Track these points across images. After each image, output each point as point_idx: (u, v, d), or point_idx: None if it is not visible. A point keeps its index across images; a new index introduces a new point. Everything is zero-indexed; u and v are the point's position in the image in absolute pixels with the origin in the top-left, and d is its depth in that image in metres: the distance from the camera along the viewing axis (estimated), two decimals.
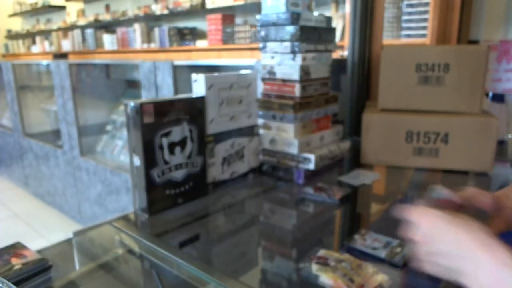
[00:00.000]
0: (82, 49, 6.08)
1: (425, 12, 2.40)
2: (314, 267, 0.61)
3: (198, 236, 0.81)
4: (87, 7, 6.24)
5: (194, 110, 0.89)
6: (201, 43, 4.33)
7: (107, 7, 5.78)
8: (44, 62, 3.03)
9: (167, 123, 0.83)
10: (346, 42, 1.49)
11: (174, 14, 4.54)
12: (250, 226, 0.85)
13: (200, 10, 4.21)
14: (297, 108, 1.06)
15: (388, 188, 1.06)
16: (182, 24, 4.74)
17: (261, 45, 1.12)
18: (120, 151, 2.62)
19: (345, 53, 1.50)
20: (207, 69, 2.04)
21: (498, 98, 1.47)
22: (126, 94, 2.84)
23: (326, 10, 3.31)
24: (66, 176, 2.82)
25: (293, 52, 1.05)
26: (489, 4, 1.60)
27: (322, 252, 0.65)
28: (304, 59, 1.05)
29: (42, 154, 3.07)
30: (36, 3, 6.99)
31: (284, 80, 1.09)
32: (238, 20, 4.13)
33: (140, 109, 0.78)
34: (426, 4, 2.39)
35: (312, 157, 1.04)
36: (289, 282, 0.64)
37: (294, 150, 1.06)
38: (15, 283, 0.57)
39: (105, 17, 5.64)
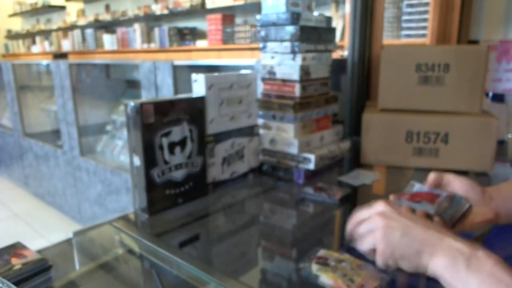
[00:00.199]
0: (82, 49, 6.08)
1: (425, 12, 2.41)
2: (314, 267, 0.61)
3: (198, 236, 0.81)
4: (87, 7, 6.24)
5: (194, 110, 0.89)
6: (201, 43, 4.34)
7: (107, 7, 5.78)
8: (44, 62, 3.03)
9: (167, 123, 0.83)
10: (346, 42, 1.49)
11: (174, 14, 4.54)
12: (250, 226, 0.85)
13: (200, 10, 4.21)
14: (297, 108, 1.06)
15: (388, 188, 1.06)
16: (182, 24, 4.74)
17: (261, 45, 1.12)
18: (120, 151, 2.62)
19: (345, 53, 1.50)
20: (207, 69, 2.04)
21: (498, 98, 1.48)
22: (126, 94, 2.85)
23: (326, 10, 3.31)
24: (66, 176, 2.82)
25: (293, 52, 1.05)
26: (489, 4, 1.60)
27: (322, 252, 0.65)
28: (304, 59, 1.05)
29: (42, 154, 3.07)
30: (36, 3, 6.99)
31: (284, 80, 1.09)
32: (238, 20, 4.13)
33: (140, 109, 0.78)
34: (426, 4, 2.39)
35: (312, 157, 1.04)
36: (289, 282, 0.64)
37: (294, 150, 1.06)
38: (15, 283, 0.57)
39: (105, 17, 5.64)
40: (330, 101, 1.20)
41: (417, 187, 0.76)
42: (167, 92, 1.97)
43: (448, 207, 0.66)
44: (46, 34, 7.11)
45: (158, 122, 0.81)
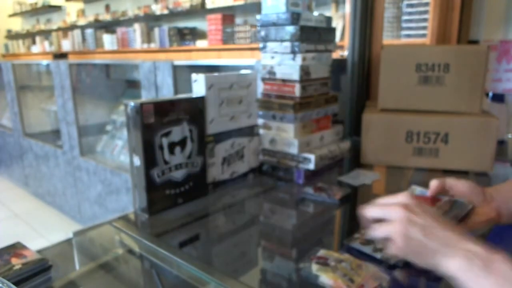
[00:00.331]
0: (82, 49, 6.08)
1: (425, 12, 2.41)
2: (314, 267, 0.61)
3: (198, 236, 0.81)
4: (87, 7, 6.24)
5: (194, 110, 0.89)
6: (201, 43, 4.34)
7: (107, 7, 5.78)
8: (44, 62, 3.03)
9: (167, 123, 0.83)
10: (346, 42, 1.49)
11: (174, 14, 4.54)
12: (250, 226, 0.85)
13: (200, 10, 4.21)
14: (297, 108, 1.06)
15: (388, 188, 1.06)
16: (182, 24, 4.74)
17: (261, 45, 1.12)
18: (120, 151, 2.62)
19: (345, 53, 1.50)
20: (207, 69, 2.04)
21: (498, 98, 1.48)
22: (126, 94, 2.85)
23: (326, 10, 3.31)
24: (66, 176, 2.82)
25: (293, 52, 1.05)
26: (489, 4, 1.60)
27: (322, 252, 0.65)
28: (304, 59, 1.05)
29: (42, 154, 3.07)
30: (36, 3, 6.99)
31: (284, 80, 1.09)
32: (238, 20, 4.13)
33: (140, 109, 0.78)
34: (426, 4, 2.39)
35: (312, 157, 1.04)
36: (289, 282, 0.64)
37: (294, 150, 1.06)
38: (15, 283, 0.57)
39: (105, 17, 5.64)
40: (330, 101, 1.20)
41: (418, 191, 0.76)
42: (167, 92, 1.97)
43: (448, 211, 0.66)
44: (46, 34, 7.11)
45: (158, 122, 0.81)
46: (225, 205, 0.93)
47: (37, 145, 3.10)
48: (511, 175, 1.17)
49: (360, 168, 1.14)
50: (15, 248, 0.65)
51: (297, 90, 1.07)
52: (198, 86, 0.93)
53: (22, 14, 7.63)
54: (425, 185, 0.83)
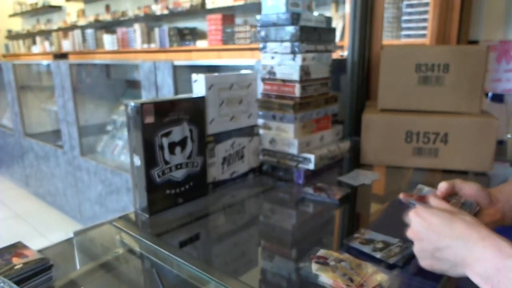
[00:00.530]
0: (82, 49, 6.08)
1: (425, 12, 2.41)
2: (314, 267, 0.61)
3: (198, 236, 0.82)
4: (87, 7, 6.24)
5: (195, 110, 0.89)
6: (201, 43, 4.34)
7: (107, 7, 5.79)
8: (45, 62, 3.03)
9: (167, 123, 0.83)
10: (346, 42, 1.50)
11: (174, 14, 4.54)
12: (250, 226, 0.85)
13: (200, 10, 4.21)
14: (297, 108, 1.06)
15: (387, 188, 1.06)
16: (182, 24, 4.74)
17: (261, 45, 1.12)
18: (121, 151, 2.63)
19: (345, 53, 1.50)
20: (207, 69, 2.05)
21: (498, 98, 1.48)
22: (126, 94, 2.85)
23: (326, 10, 3.31)
24: (67, 176, 2.83)
25: (293, 52, 1.05)
26: (488, 4, 1.60)
27: (321, 252, 0.65)
28: (304, 59, 1.06)
29: (42, 154, 3.07)
30: (36, 3, 6.99)
31: (284, 80, 1.10)
32: (238, 20, 4.13)
33: (141, 109, 0.78)
34: (426, 4, 2.39)
35: (312, 157, 1.05)
36: (289, 281, 0.64)
37: (294, 150, 1.06)
38: (16, 283, 0.57)
39: (105, 17, 5.65)
40: (330, 101, 1.20)
41: (426, 190, 0.77)
42: (167, 92, 1.97)
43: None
44: (46, 34, 7.12)
45: (158, 122, 0.82)
46: (225, 205, 0.94)
47: (38, 145, 3.10)
48: (510, 175, 1.17)
49: (360, 168, 1.14)
50: (16, 248, 0.65)
51: (297, 90, 1.07)
52: (198, 86, 0.93)
53: (23, 14, 7.63)
54: (426, 185, 0.83)
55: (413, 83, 1.14)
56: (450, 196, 0.70)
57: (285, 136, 1.08)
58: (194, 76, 0.93)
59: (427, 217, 0.57)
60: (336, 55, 1.33)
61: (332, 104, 1.21)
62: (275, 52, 1.09)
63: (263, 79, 1.14)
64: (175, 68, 1.92)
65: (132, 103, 0.79)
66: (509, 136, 1.40)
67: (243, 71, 1.04)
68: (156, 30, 4.75)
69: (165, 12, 4.59)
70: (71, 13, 6.52)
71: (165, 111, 0.83)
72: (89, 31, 5.86)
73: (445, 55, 1.10)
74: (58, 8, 6.70)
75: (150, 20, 5.00)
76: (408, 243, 0.68)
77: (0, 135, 3.74)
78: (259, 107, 1.12)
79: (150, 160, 0.81)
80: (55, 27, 6.78)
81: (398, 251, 0.66)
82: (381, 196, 1.02)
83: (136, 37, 5.08)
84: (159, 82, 2.00)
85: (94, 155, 2.70)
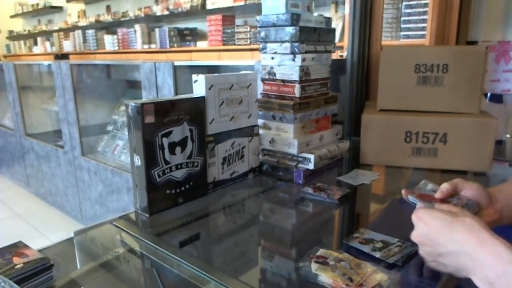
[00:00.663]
0: (83, 50, 6.09)
1: (424, 13, 2.41)
2: (314, 266, 0.61)
3: (199, 236, 0.82)
4: (88, 8, 6.25)
5: (195, 110, 0.90)
6: (201, 44, 4.34)
7: (108, 8, 5.79)
8: (46, 62, 3.04)
9: (167, 123, 0.84)
10: (346, 42, 1.50)
11: (174, 15, 4.55)
12: (250, 226, 0.86)
13: (200, 11, 4.21)
14: (296, 108, 1.07)
15: (387, 188, 1.07)
16: (183, 25, 4.75)
17: (261, 45, 1.13)
18: (121, 151, 2.63)
19: (345, 53, 1.50)
20: (208, 69, 2.05)
21: (496, 98, 1.48)
22: (127, 94, 2.85)
23: (326, 11, 3.31)
24: (67, 176, 2.83)
25: (293, 52, 1.05)
26: (487, 5, 1.61)
27: (321, 251, 0.66)
28: (303, 59, 1.06)
29: (43, 154, 3.08)
30: (37, 4, 7.00)
31: (284, 81, 1.10)
32: (238, 21, 4.13)
33: (141, 109, 0.79)
34: (425, 5, 2.39)
35: (311, 157, 1.05)
36: (288, 281, 0.64)
37: (293, 150, 1.06)
38: (16, 282, 0.57)
39: (106, 18, 5.65)
40: (330, 102, 1.21)
41: (430, 186, 0.76)
42: (167, 93, 1.97)
43: None
44: (47, 35, 7.12)
45: (158, 122, 0.82)
46: (225, 205, 0.94)
47: (39, 145, 3.11)
48: (509, 175, 1.18)
49: (359, 168, 1.14)
50: (17, 247, 0.65)
51: (296, 91, 1.07)
52: (199, 87, 0.93)
53: (24, 15, 7.64)
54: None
55: (412, 83, 1.14)
56: (451, 197, 0.71)
57: (285, 136, 1.09)
58: (194, 76, 0.94)
59: (428, 221, 0.57)
60: (336, 55, 1.33)
61: (332, 104, 1.22)
62: (275, 53, 1.09)
63: (263, 80, 1.15)
64: (176, 69, 1.92)
65: (132, 103, 0.80)
66: (508, 136, 1.41)
67: (243, 72, 1.04)
68: (157, 31, 4.76)
69: (166, 12, 4.60)
70: (72, 14, 6.53)
71: (165, 111, 0.83)
72: (90, 32, 5.87)
73: (444, 55, 1.11)
74: (59, 9, 6.71)
75: (151, 21, 5.00)
76: (408, 242, 0.68)
77: (1, 135, 3.74)
78: (259, 107, 1.12)
79: (150, 160, 0.82)
80: (56, 27, 6.78)
81: (398, 251, 0.67)
82: (381, 196, 1.03)
83: (136, 37, 5.08)
84: (159, 82, 2.00)
85: (95, 155, 2.70)
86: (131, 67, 2.56)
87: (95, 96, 2.72)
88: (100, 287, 0.68)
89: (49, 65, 2.90)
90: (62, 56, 3.44)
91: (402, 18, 2.54)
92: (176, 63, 1.92)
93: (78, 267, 0.72)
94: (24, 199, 3.40)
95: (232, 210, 0.92)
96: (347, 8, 1.47)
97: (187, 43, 4.50)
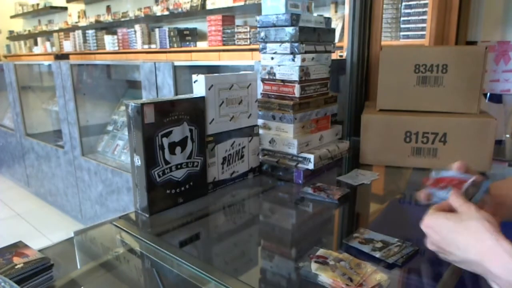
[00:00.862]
0: (83, 50, 6.09)
1: (424, 13, 2.41)
2: (314, 266, 0.61)
3: (199, 236, 0.82)
4: (88, 8, 6.25)
5: (195, 110, 0.90)
6: (201, 44, 4.34)
7: (108, 8, 5.79)
8: (46, 63, 3.04)
9: (167, 123, 0.84)
10: (345, 43, 1.50)
11: (174, 15, 4.55)
12: (250, 226, 0.86)
13: (200, 11, 4.22)
14: (296, 108, 1.07)
15: (387, 188, 1.07)
16: (183, 25, 4.75)
17: (260, 46, 1.13)
18: (121, 151, 2.63)
19: (344, 53, 1.50)
20: (207, 69, 2.05)
21: (496, 98, 1.48)
22: (127, 94, 2.85)
23: (325, 11, 3.31)
24: (68, 175, 2.83)
25: (293, 53, 1.05)
26: (487, 5, 1.61)
27: (321, 251, 0.66)
28: (303, 59, 1.06)
29: (43, 154, 3.08)
30: (37, 4, 7.00)
31: (283, 81, 1.10)
32: (238, 21, 4.14)
33: (141, 109, 0.79)
34: (425, 5, 2.39)
35: (311, 157, 1.05)
36: (288, 281, 0.64)
37: (293, 150, 1.06)
38: (17, 282, 0.57)
39: (106, 18, 5.65)
40: (329, 102, 1.21)
41: (443, 172, 0.73)
42: (167, 93, 1.97)
43: (475, 193, 0.64)
44: (47, 35, 7.12)
45: (158, 122, 0.82)
46: (225, 205, 0.94)
47: (39, 145, 3.11)
48: (509, 174, 1.18)
49: (359, 168, 1.14)
50: (17, 247, 0.65)
51: (296, 91, 1.08)
52: (199, 87, 0.93)
53: (24, 15, 7.64)
54: (423, 185, 0.83)
55: (412, 83, 1.15)
56: (468, 174, 0.66)
57: (285, 136, 1.09)
58: (194, 76, 0.94)
59: (437, 230, 0.56)
60: (336, 55, 1.33)
61: (332, 104, 1.22)
62: (275, 53, 1.10)
63: (263, 80, 1.15)
64: (175, 69, 1.92)
65: (132, 103, 0.80)
66: (507, 136, 1.41)
67: (243, 72, 1.05)
68: (157, 31, 4.76)
69: (166, 13, 4.60)
70: (72, 14, 6.53)
71: (165, 111, 0.83)
72: (90, 32, 5.87)
73: (443, 55, 1.11)
74: (59, 9, 6.71)
75: (151, 21, 5.00)
76: (407, 242, 0.69)
77: (1, 135, 3.75)
78: (259, 107, 1.12)
79: (150, 160, 0.82)
80: (56, 28, 6.78)
81: (397, 251, 0.67)
82: (380, 196, 1.03)
83: (136, 37, 5.08)
84: (159, 82, 2.00)
85: (95, 155, 2.70)
86: (131, 67, 2.56)
87: (95, 96, 2.72)
88: (100, 287, 0.68)
89: (49, 65, 2.90)
90: (62, 56, 3.44)
91: (402, 18, 2.54)
92: (176, 63, 1.92)
93: (78, 267, 0.72)
94: (24, 199, 3.40)
95: (232, 210, 0.92)
96: (346, 9, 1.47)
97: (187, 43, 4.50)
